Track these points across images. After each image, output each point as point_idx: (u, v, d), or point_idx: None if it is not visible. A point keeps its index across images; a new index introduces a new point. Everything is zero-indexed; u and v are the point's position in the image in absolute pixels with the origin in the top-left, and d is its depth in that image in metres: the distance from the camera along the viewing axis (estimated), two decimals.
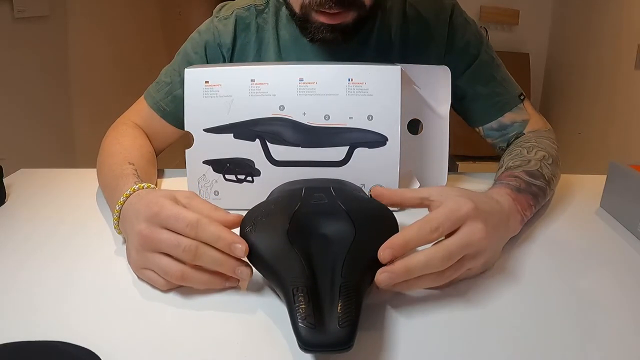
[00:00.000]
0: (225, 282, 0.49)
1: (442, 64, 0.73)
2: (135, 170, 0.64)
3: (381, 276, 0.44)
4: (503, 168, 0.68)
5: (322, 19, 0.69)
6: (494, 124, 0.82)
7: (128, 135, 0.77)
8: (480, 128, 0.84)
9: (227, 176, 0.68)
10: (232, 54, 0.82)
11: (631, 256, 0.59)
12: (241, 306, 0.48)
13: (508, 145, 0.82)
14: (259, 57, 0.82)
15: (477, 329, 0.45)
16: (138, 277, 0.52)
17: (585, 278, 0.54)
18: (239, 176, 0.67)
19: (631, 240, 0.62)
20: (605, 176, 0.71)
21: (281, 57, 0.81)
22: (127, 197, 0.55)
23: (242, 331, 0.45)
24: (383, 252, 0.44)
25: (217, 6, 0.84)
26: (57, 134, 1.71)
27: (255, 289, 0.51)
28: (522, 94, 0.83)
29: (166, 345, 0.43)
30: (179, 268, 0.47)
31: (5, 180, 0.74)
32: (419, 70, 0.70)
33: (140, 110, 0.83)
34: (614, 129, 1.94)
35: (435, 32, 0.81)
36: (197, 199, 0.53)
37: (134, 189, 0.56)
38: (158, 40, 2.56)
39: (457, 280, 0.50)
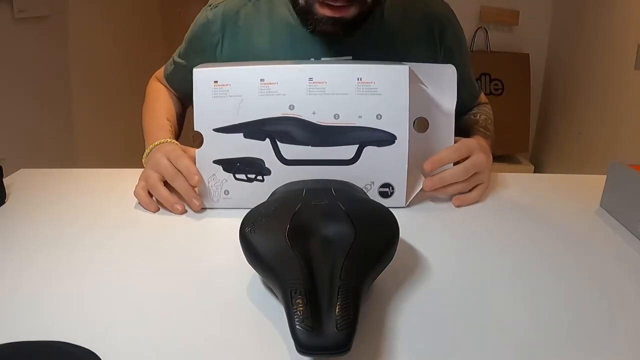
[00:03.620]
0: (175, 205, 0.68)
1: (436, 59, 0.82)
2: (171, 126, 0.84)
3: (426, 183, 0.68)
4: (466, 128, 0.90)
5: (325, 11, 0.73)
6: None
7: (164, 93, 0.95)
8: None
9: (237, 175, 0.68)
10: (222, 41, 0.84)
11: (631, 256, 0.59)
12: (240, 307, 0.48)
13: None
14: (251, 43, 0.83)
15: (477, 329, 0.45)
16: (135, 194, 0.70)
17: (585, 278, 0.54)
18: (249, 175, 0.68)
19: (631, 240, 0.62)
20: (605, 176, 0.71)
21: (275, 43, 0.82)
22: (159, 143, 0.74)
23: (241, 332, 0.45)
24: (425, 165, 0.67)
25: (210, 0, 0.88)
26: (57, 134, 1.71)
27: (254, 290, 0.51)
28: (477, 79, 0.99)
29: (166, 345, 0.43)
30: (156, 179, 0.68)
31: (5, 180, 0.74)
32: (425, 69, 0.70)
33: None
34: (614, 129, 1.93)
35: (432, 28, 0.85)
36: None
37: (162, 141, 0.75)
38: (158, 40, 2.56)
39: (474, 196, 0.72)
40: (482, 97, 1.02)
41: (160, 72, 0.98)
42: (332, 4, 0.71)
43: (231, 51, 0.84)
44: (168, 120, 0.86)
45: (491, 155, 0.79)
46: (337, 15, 0.72)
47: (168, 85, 0.95)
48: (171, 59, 0.95)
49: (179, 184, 0.67)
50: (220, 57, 0.85)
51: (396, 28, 0.83)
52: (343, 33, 0.75)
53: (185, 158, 0.68)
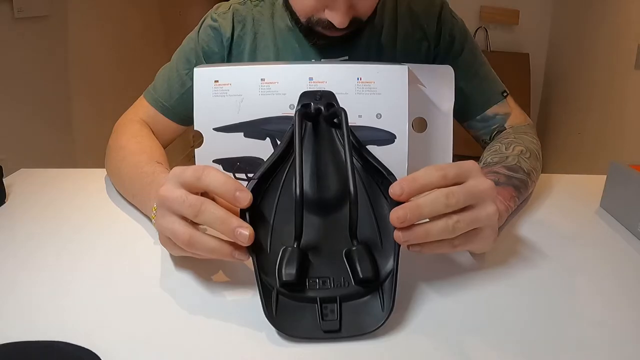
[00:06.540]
0: (234, 252, 0.46)
1: (430, 58, 0.81)
2: (166, 169, 0.66)
3: (398, 234, 0.45)
4: (482, 164, 0.72)
5: (327, 32, 0.74)
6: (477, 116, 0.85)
7: (145, 136, 0.79)
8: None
9: (237, 175, 0.68)
10: (230, 45, 0.84)
11: (631, 256, 0.59)
12: (240, 307, 0.48)
13: (491, 139, 0.84)
14: (254, 48, 0.84)
15: (476, 329, 0.45)
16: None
17: (585, 278, 0.54)
18: (249, 175, 0.68)
19: (631, 240, 0.62)
20: (605, 176, 0.71)
21: (277, 46, 0.83)
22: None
23: (242, 332, 0.45)
24: (393, 189, 0.45)
25: (214, 6, 0.87)
26: (57, 134, 1.71)
27: (255, 289, 0.51)
28: (505, 91, 0.85)
29: (166, 345, 0.43)
30: (187, 231, 0.46)
31: (5, 180, 0.74)
32: (423, 70, 0.70)
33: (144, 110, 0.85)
34: (614, 129, 1.94)
35: (427, 28, 0.84)
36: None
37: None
38: (158, 40, 2.56)
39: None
40: (518, 114, 0.84)
41: (134, 117, 0.84)
42: (335, 34, 0.74)
43: (238, 55, 0.84)
44: (159, 163, 0.68)
45: (507, 208, 0.61)
46: (339, 34, 0.74)
47: (169, 118, 0.84)
48: (153, 89, 0.85)
49: (210, 216, 0.45)
50: (228, 61, 0.85)
51: (388, 19, 0.84)
52: (341, 43, 0.77)
53: (207, 172, 0.47)
